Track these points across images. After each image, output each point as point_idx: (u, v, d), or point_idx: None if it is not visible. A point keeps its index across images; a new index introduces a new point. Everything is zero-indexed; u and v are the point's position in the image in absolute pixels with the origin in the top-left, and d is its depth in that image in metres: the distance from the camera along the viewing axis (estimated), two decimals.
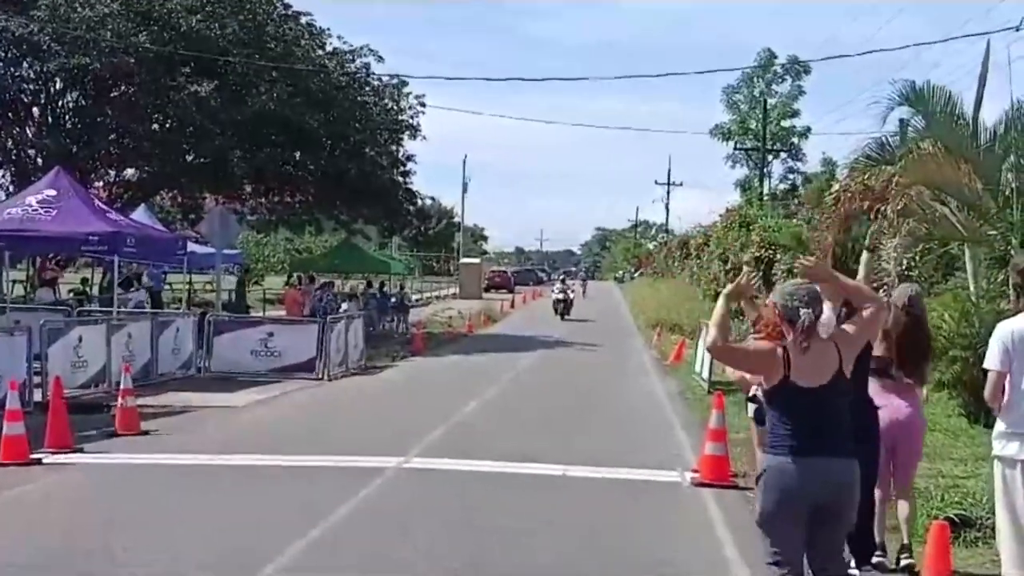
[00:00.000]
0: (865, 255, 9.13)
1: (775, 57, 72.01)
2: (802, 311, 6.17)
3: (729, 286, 6.47)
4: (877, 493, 8.63)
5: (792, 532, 6.27)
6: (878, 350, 8.62)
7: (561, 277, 59.81)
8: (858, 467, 6.35)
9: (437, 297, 68.26)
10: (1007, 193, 16.76)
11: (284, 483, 12.09)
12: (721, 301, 6.43)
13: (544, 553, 9.28)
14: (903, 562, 8.47)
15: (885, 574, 8.45)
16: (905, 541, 8.62)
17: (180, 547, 9.13)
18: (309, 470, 12.86)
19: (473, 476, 12.61)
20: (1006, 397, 7.01)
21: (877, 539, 8.60)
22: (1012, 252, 7.35)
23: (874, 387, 8.65)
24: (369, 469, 12.67)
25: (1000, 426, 7.03)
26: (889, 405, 8.55)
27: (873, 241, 9.45)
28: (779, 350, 6.22)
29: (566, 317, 48.29)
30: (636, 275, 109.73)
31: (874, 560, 8.48)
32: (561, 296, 50.33)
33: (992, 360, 6.96)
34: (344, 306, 32.65)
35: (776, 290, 6.65)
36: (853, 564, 8.37)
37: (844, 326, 6.50)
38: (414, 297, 55.55)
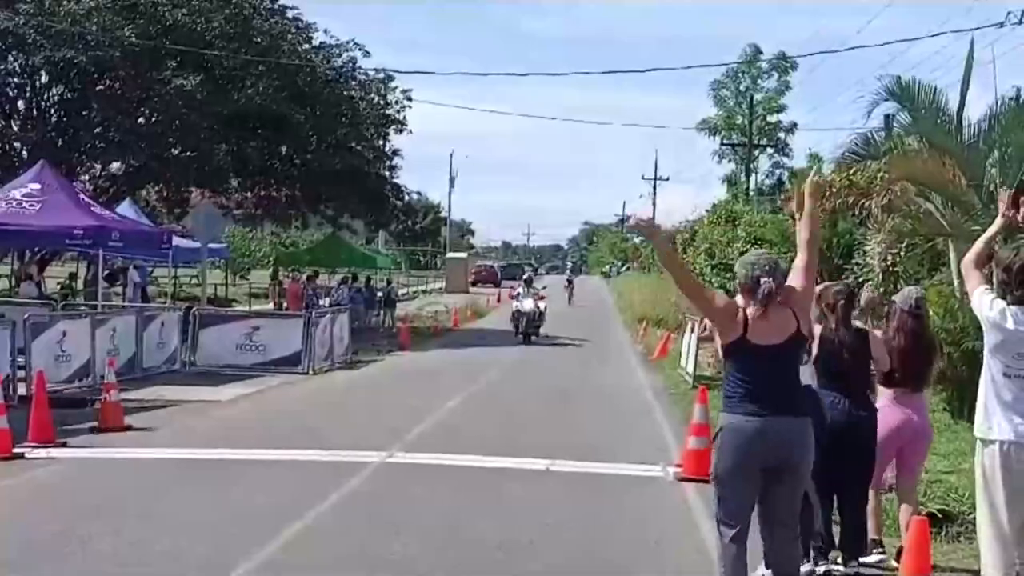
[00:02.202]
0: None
1: (760, 52, 72.14)
2: (763, 280, 6.35)
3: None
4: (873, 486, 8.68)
5: (745, 490, 6.44)
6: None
7: (527, 275, 39.93)
8: (811, 426, 6.51)
9: (423, 291, 68.29)
10: (991, 189, 16.78)
11: (267, 477, 12.06)
12: (660, 252, 6.69)
13: (525, 547, 9.26)
14: (875, 554, 8.53)
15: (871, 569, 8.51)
16: (876, 536, 8.69)
17: (159, 541, 9.09)
18: (293, 464, 12.84)
19: (457, 471, 12.61)
20: (982, 385, 7.01)
21: (874, 536, 8.63)
22: (996, 248, 7.36)
23: (881, 395, 8.68)
24: (353, 464, 12.65)
25: (980, 408, 7.03)
26: (896, 411, 8.58)
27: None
28: (740, 310, 6.39)
29: (533, 339, 33.33)
30: (624, 269, 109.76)
31: (874, 558, 8.50)
32: (527, 307, 33.64)
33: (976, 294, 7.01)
34: (324, 302, 32.80)
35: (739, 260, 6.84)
36: (840, 559, 8.40)
37: (790, 282, 6.58)
38: (400, 291, 55.40)
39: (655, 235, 6.69)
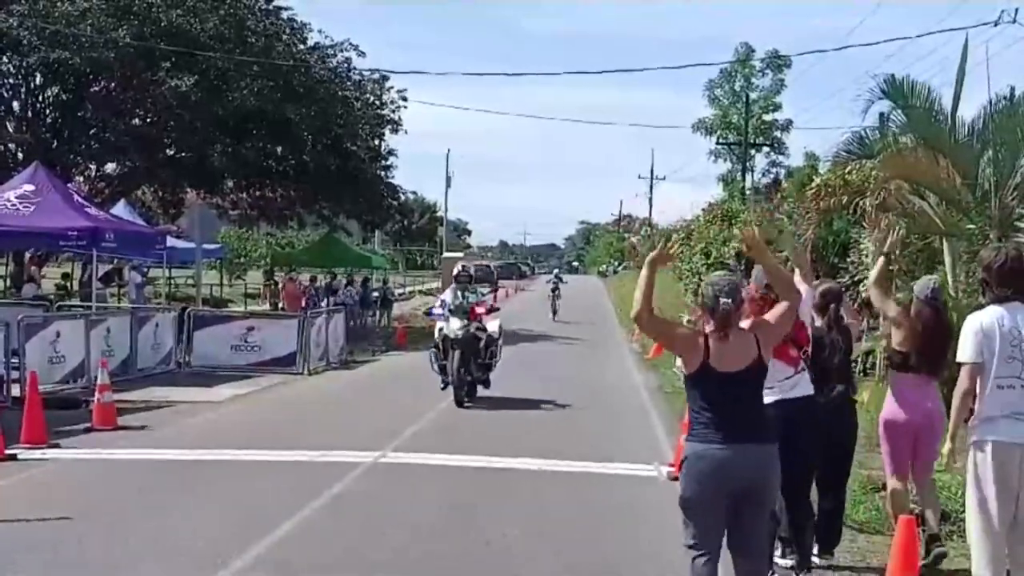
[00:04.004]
0: (881, 260, 9.27)
1: (753, 51, 72.20)
2: (721, 300, 6.40)
3: (653, 252, 6.66)
4: (895, 482, 8.72)
5: (711, 517, 6.47)
6: (900, 344, 8.69)
7: (458, 270, 21.26)
8: (777, 452, 6.53)
9: (420, 291, 68.21)
10: (985, 187, 16.80)
11: (260, 478, 12.06)
12: (645, 269, 6.59)
13: (517, 546, 9.27)
14: (934, 551, 8.45)
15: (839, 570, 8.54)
16: (934, 530, 8.62)
17: (151, 542, 9.11)
18: (286, 465, 12.83)
19: (450, 471, 12.61)
20: (978, 386, 7.06)
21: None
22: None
23: (895, 381, 8.72)
24: (346, 463, 12.65)
25: (973, 413, 7.07)
26: (911, 397, 8.60)
27: (891, 247, 9.58)
28: (700, 337, 6.45)
29: (466, 403, 18.47)
30: (620, 268, 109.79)
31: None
32: (458, 331, 18.62)
33: (965, 353, 6.99)
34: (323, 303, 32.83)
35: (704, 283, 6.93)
36: (816, 550, 8.41)
37: (765, 316, 6.78)
38: (396, 291, 55.28)
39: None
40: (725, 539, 6.61)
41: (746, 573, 6.63)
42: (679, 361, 6.99)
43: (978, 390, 7.04)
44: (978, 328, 6.93)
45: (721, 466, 6.33)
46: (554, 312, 46.29)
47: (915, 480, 8.90)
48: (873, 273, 9.20)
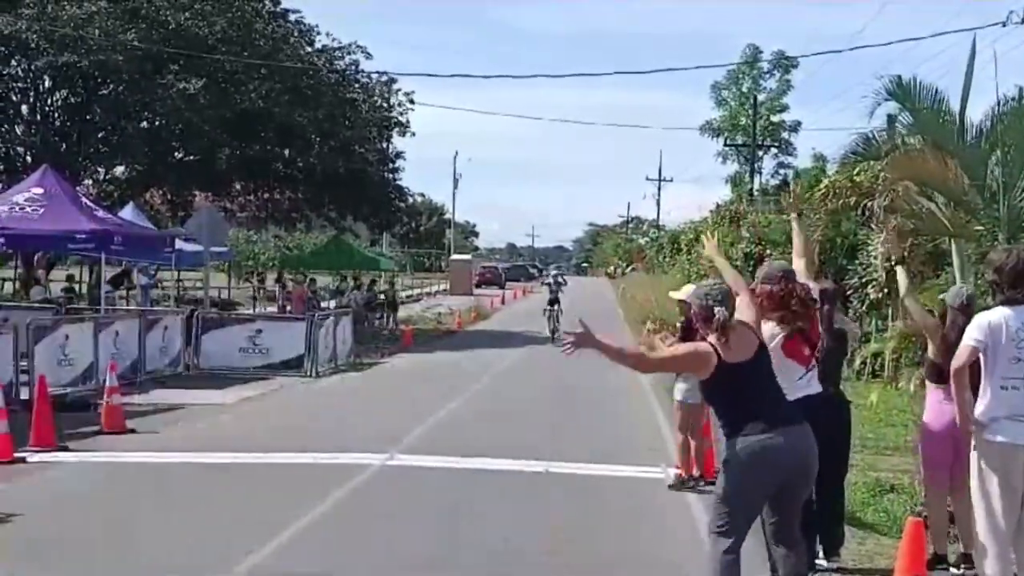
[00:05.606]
0: (899, 269, 9.35)
1: (760, 52, 72.18)
2: (716, 309, 6.57)
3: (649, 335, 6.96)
4: (932, 491, 8.75)
5: (757, 505, 6.62)
6: (935, 355, 8.66)
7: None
8: (811, 431, 6.65)
9: (428, 294, 68.24)
10: (994, 188, 16.76)
11: (268, 481, 12.08)
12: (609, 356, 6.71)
13: (526, 549, 9.27)
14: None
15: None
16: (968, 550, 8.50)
17: (158, 544, 9.13)
18: (293, 468, 12.85)
19: (457, 473, 12.61)
20: (981, 385, 7.06)
21: (935, 550, 8.57)
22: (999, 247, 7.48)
23: (934, 392, 8.67)
24: (354, 466, 12.66)
25: (976, 414, 7.07)
26: (948, 411, 8.54)
27: (896, 249, 9.62)
28: (706, 344, 6.60)
29: None
30: (629, 270, 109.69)
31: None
32: None
33: (968, 337, 7.03)
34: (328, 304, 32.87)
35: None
36: (821, 554, 8.40)
37: (737, 317, 6.78)
38: (404, 294, 55.23)
39: (596, 345, 6.51)
40: (768, 532, 6.79)
41: (791, 564, 6.76)
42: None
43: (980, 388, 7.05)
44: (984, 324, 6.96)
45: (778, 453, 6.45)
46: (553, 332, 33.58)
47: (952, 492, 8.85)
48: (903, 285, 9.17)
